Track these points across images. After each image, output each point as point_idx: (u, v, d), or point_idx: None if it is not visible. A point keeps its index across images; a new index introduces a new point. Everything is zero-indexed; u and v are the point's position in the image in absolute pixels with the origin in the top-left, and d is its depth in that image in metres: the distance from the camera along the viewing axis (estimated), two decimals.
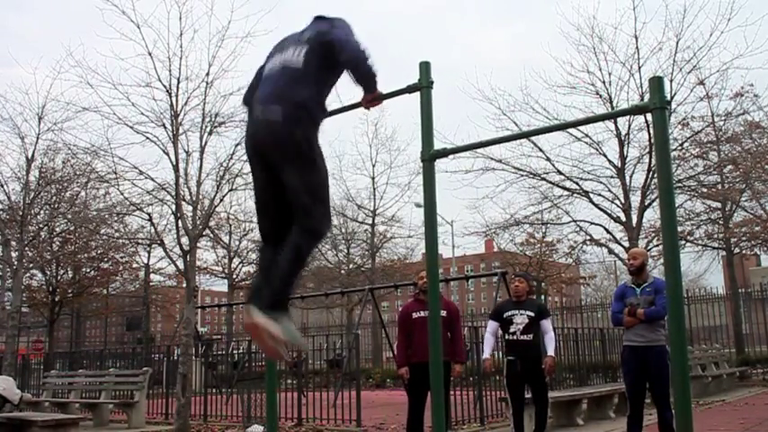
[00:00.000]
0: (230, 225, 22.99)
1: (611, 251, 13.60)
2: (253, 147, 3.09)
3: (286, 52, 3.11)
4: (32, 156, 12.79)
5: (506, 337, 6.40)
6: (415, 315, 6.30)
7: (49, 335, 21.88)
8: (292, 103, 2.93)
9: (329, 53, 3.01)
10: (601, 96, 12.09)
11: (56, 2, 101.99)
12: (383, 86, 3.14)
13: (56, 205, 15.03)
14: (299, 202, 2.92)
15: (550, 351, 6.28)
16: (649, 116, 3.18)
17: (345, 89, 3.29)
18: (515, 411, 6.48)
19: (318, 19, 3.23)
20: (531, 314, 6.29)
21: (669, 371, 5.62)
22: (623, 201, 12.00)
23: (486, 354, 6.66)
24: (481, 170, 13.06)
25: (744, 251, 19.30)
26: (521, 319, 6.30)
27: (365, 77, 3.03)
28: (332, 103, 3.26)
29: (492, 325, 6.56)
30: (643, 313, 5.67)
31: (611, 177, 12.41)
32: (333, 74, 3.11)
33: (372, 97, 3.18)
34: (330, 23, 3.12)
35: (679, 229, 13.85)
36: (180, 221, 9.20)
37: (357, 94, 3.19)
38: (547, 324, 6.38)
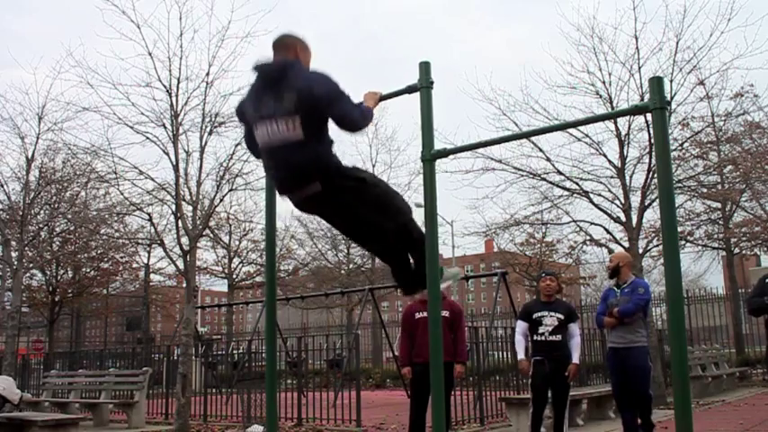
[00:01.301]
0: (230, 225, 22.98)
1: (611, 251, 13.53)
2: (308, 212, 3.46)
3: (274, 124, 3.08)
4: (32, 156, 12.78)
5: (534, 337, 6.32)
6: (417, 315, 6.31)
7: (49, 335, 21.88)
8: (319, 173, 3.07)
9: (320, 112, 3.07)
10: (601, 96, 12.05)
11: (56, 3, 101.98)
12: (383, 87, 3.15)
13: (56, 205, 15.01)
14: (387, 225, 3.25)
15: (575, 358, 6.22)
16: (649, 116, 3.18)
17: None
18: (536, 412, 6.38)
19: (283, 68, 3.16)
20: (561, 317, 6.25)
21: (650, 371, 5.95)
22: (623, 201, 11.95)
23: (521, 355, 6.55)
24: (481, 170, 13.02)
25: (744, 251, 19.29)
26: (550, 320, 6.24)
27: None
28: None
29: (521, 326, 6.46)
30: (617, 311, 5.90)
31: (612, 177, 12.36)
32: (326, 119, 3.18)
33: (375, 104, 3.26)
34: (308, 82, 3.06)
35: (679, 229, 13.84)
36: (180, 221, 9.20)
37: (357, 94, 3.20)
38: (575, 328, 6.32)
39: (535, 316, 6.32)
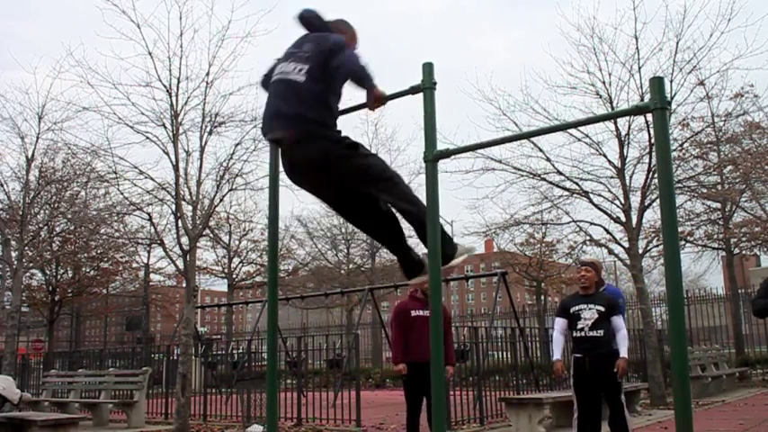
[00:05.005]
0: (230, 225, 22.98)
1: (610, 251, 13.56)
2: (293, 169, 3.32)
3: (291, 63, 3.29)
4: (32, 155, 12.79)
5: (574, 333, 5.71)
6: (414, 313, 6.15)
7: (48, 335, 21.89)
8: (304, 124, 3.16)
9: (329, 65, 3.22)
10: (601, 97, 12.05)
11: (57, 3, 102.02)
12: (386, 88, 3.15)
13: (56, 205, 15.02)
14: (381, 194, 3.24)
15: (623, 352, 5.58)
16: (649, 116, 3.18)
17: (346, 90, 3.32)
18: (581, 417, 5.72)
19: (319, 29, 3.42)
20: (602, 308, 5.63)
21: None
22: (623, 201, 11.95)
23: (557, 355, 6.02)
24: (481, 170, 13.02)
25: (744, 252, 19.30)
26: (589, 313, 5.64)
27: (359, 79, 3.19)
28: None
29: (560, 322, 5.87)
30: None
31: (611, 178, 12.37)
32: (337, 83, 3.28)
33: (376, 98, 3.20)
34: (330, 43, 3.26)
35: (679, 229, 13.81)
36: (180, 221, 9.20)
37: (359, 94, 3.20)
38: (618, 321, 5.68)
39: (573, 310, 5.74)
